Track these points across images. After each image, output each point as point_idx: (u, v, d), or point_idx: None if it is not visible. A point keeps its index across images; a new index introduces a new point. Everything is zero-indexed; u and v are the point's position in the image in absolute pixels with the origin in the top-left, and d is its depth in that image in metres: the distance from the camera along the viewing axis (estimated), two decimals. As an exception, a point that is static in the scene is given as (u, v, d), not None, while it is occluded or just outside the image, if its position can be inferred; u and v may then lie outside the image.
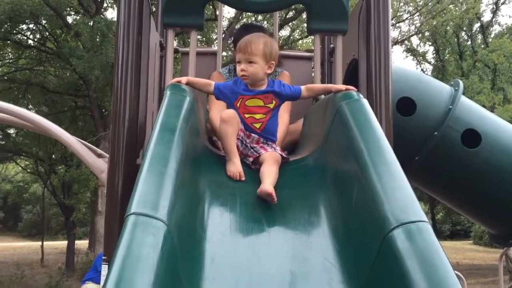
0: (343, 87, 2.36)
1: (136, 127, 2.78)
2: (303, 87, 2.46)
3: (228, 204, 2.00)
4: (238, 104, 2.38)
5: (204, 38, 18.31)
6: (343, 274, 1.67)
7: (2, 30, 17.94)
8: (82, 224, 30.63)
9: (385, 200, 1.60)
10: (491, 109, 16.96)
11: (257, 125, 2.38)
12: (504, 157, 3.76)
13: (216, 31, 17.02)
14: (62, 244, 25.19)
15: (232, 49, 3.81)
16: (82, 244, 24.80)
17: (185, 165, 1.83)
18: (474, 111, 3.98)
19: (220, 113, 2.77)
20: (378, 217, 1.55)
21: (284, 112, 2.97)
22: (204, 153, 2.32)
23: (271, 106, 2.40)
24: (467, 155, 3.75)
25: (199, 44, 16.20)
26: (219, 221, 1.93)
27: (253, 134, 2.37)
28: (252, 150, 2.34)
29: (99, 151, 3.76)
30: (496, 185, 3.78)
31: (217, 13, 5.89)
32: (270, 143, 2.41)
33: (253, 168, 2.29)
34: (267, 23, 19.55)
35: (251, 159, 2.32)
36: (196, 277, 1.64)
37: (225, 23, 18.95)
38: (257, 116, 2.37)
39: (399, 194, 1.62)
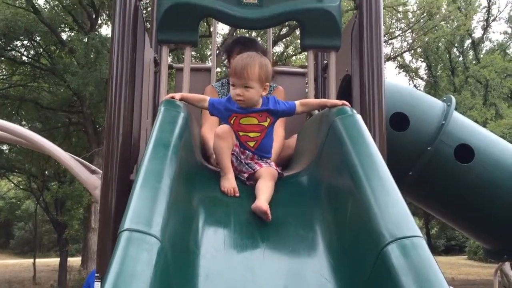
0: (338, 102, 2.36)
1: (130, 143, 2.77)
2: (297, 102, 2.46)
3: (222, 220, 1.99)
4: (232, 121, 2.37)
5: (198, 54, 18.40)
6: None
7: (-4, 46, 17.97)
8: (75, 241, 30.33)
9: (379, 215, 1.60)
10: (484, 124, 17.07)
11: (251, 144, 2.37)
12: (497, 172, 3.78)
13: (210, 47, 17.11)
14: (55, 261, 24.91)
15: (226, 64, 3.81)
16: (74, 261, 24.53)
17: (179, 181, 1.83)
18: (466, 126, 4.01)
19: (212, 128, 2.77)
20: (373, 232, 1.54)
21: (279, 127, 2.97)
22: (198, 169, 2.31)
23: (266, 124, 2.38)
24: (460, 170, 3.76)
25: (193, 60, 16.28)
26: (213, 237, 1.92)
27: (247, 151, 2.37)
28: (246, 166, 2.34)
29: (93, 167, 3.75)
30: (489, 200, 3.79)
31: (211, 29, 5.93)
32: (264, 159, 2.40)
33: (248, 184, 2.28)
34: (261, 39, 19.68)
35: (246, 175, 2.31)
36: (190, 294, 1.62)
37: (219, 39, 19.07)
38: (252, 135, 2.36)
39: (393, 209, 1.62)
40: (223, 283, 1.71)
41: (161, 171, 1.75)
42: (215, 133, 2.31)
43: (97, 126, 18.82)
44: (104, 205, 2.68)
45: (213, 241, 1.87)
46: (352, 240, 1.75)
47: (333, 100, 2.45)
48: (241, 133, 2.36)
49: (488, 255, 4.41)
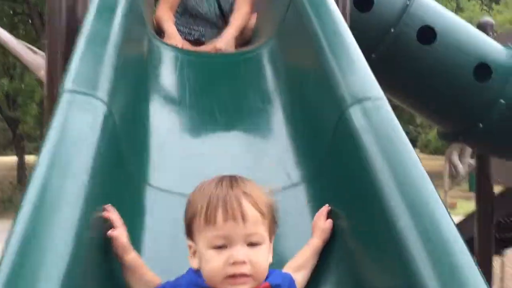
0: None
1: (75, 18, 2.52)
2: None
3: (177, 89, 1.87)
4: None
5: None
6: (299, 157, 1.62)
7: None
8: (32, 139, 29.83)
9: (342, 80, 1.51)
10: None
11: None
12: (460, 54, 3.74)
13: None
14: (12, 159, 24.64)
15: None
16: (33, 159, 24.31)
17: (127, 47, 1.66)
18: (431, 8, 3.89)
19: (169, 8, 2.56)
20: (335, 98, 1.46)
21: (245, 3, 2.70)
22: (149, 39, 2.12)
23: None
24: (422, 51, 3.69)
25: None
26: (167, 110, 1.81)
27: None
28: None
29: (36, 49, 3.48)
30: (450, 82, 3.78)
31: None
32: None
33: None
34: None
35: None
36: (143, 164, 1.55)
37: None
38: None
39: (358, 75, 1.54)
40: (178, 154, 1.64)
41: (106, 35, 1.57)
42: None
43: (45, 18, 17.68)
44: (50, 86, 2.50)
45: (167, 112, 1.77)
46: (314, 109, 1.68)
47: None
48: None
49: (443, 138, 4.51)
